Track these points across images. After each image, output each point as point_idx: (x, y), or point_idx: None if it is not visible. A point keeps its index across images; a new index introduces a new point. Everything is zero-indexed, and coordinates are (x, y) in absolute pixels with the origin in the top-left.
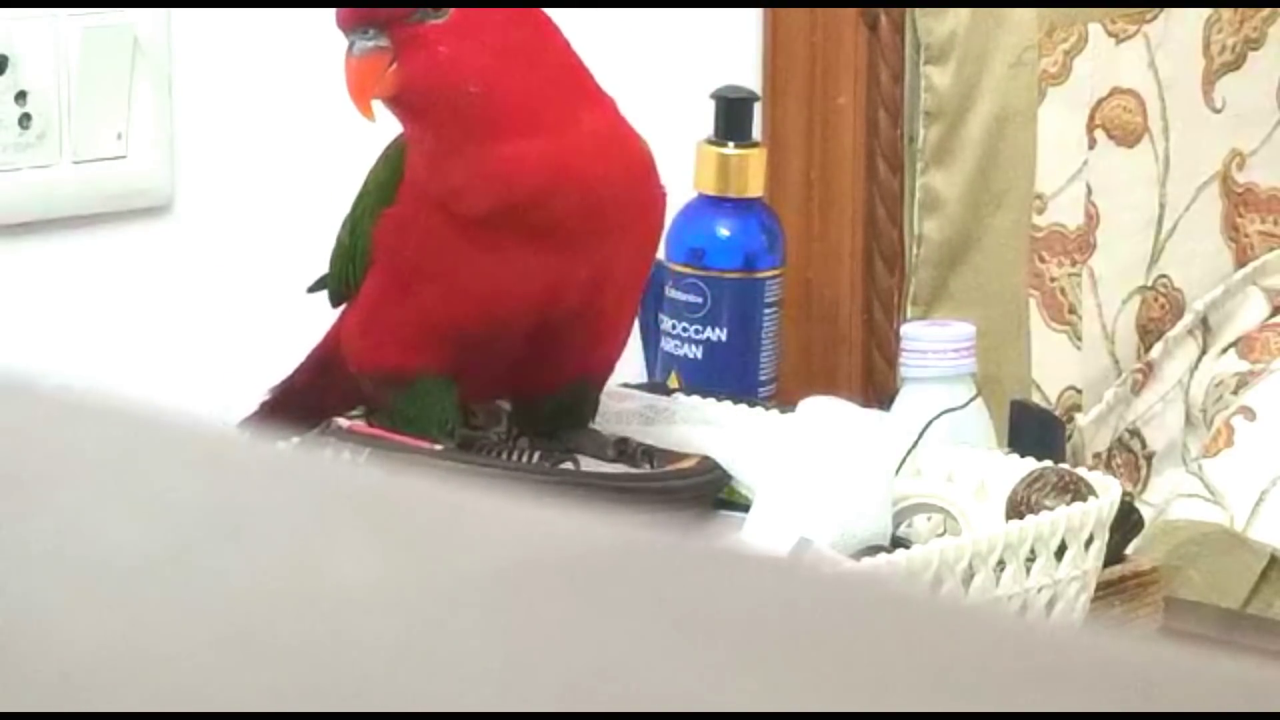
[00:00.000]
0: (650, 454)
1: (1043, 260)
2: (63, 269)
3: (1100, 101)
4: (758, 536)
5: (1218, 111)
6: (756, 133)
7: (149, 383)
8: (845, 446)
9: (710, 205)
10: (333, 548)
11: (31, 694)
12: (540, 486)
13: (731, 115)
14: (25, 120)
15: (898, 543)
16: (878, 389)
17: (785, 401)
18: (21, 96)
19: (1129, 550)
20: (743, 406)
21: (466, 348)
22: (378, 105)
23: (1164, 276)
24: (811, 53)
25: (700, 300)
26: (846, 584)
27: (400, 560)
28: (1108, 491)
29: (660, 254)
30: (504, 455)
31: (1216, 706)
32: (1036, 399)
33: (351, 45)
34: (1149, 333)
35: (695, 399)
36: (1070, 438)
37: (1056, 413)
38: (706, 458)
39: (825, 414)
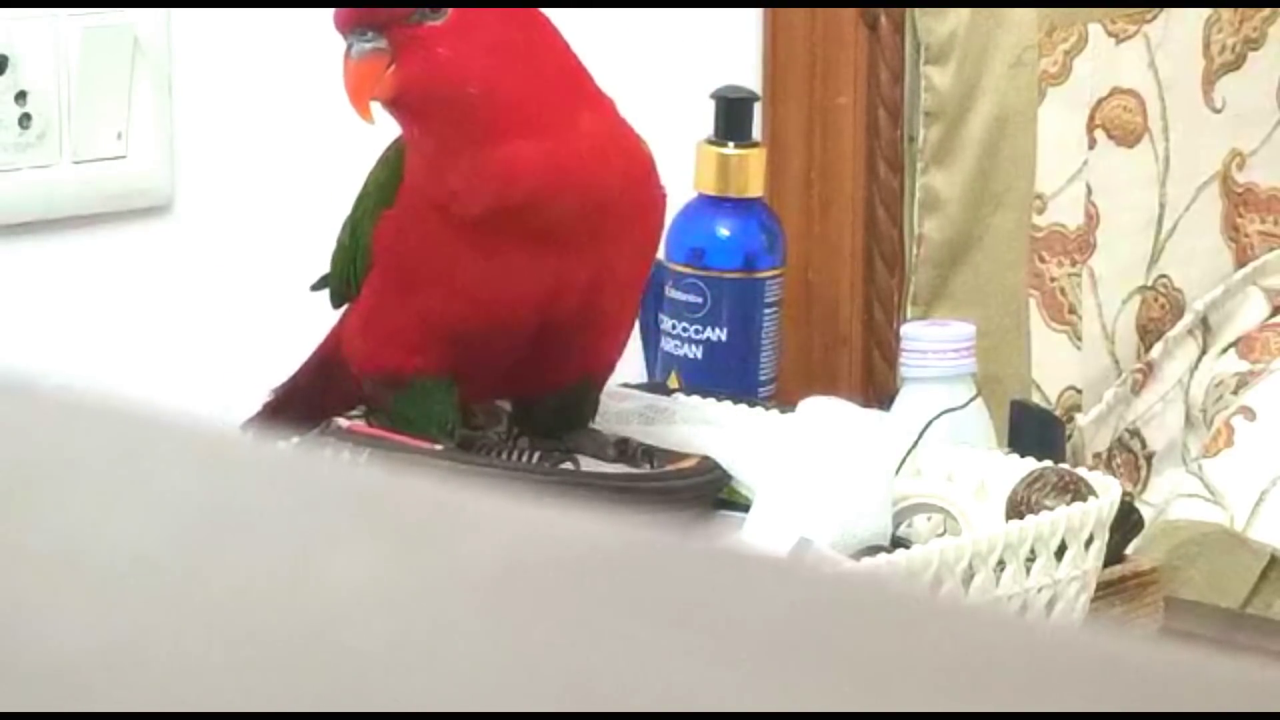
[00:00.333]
0: (650, 454)
1: (1043, 260)
2: (63, 269)
3: (1100, 101)
4: (758, 536)
5: (1218, 111)
6: (756, 133)
7: (149, 382)
8: (845, 446)
9: (710, 205)
10: (332, 548)
11: (30, 693)
12: (540, 486)
13: (731, 115)
14: (25, 120)
15: (898, 543)
16: (878, 389)
17: (785, 401)
18: (21, 96)
19: (1129, 550)
20: (743, 406)
21: (466, 349)
22: (376, 108)
23: (1164, 276)
24: (811, 53)
25: (700, 300)
26: (846, 584)
27: (400, 560)
28: (1108, 491)
29: (660, 254)
30: (504, 455)
31: (1216, 706)
32: (1036, 399)
33: (349, 47)
34: (1149, 333)
35: (695, 399)
36: (1070, 438)
37: (1056, 413)
38: (706, 458)
39: (825, 414)
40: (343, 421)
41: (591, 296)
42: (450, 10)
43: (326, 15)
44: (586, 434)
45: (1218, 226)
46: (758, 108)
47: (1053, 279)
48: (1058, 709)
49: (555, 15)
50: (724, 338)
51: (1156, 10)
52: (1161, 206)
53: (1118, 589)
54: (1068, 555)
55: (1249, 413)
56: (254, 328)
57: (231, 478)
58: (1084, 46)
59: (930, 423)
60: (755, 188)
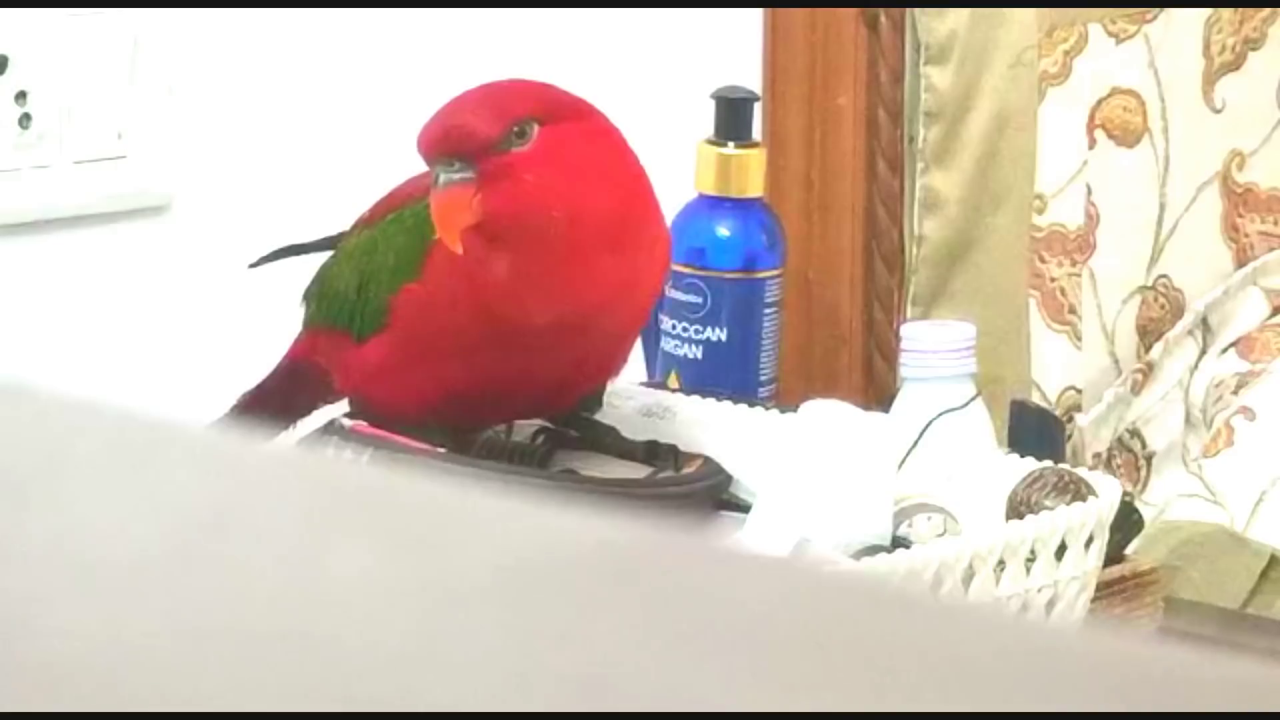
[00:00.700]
0: (675, 454)
1: (1043, 260)
2: (62, 269)
3: (1100, 101)
4: (758, 537)
5: (1218, 111)
6: (756, 133)
7: (148, 382)
8: (845, 447)
9: (710, 205)
10: (332, 547)
11: (30, 692)
12: (540, 491)
13: (731, 115)
14: (25, 120)
15: (898, 543)
16: (878, 389)
17: (785, 401)
18: (21, 96)
19: (1129, 550)
20: (743, 406)
21: (483, 407)
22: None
23: (1164, 276)
24: (811, 53)
25: (700, 300)
26: (846, 584)
27: (399, 560)
28: (1108, 491)
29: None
30: (515, 458)
31: (1216, 706)
32: (1036, 399)
33: (437, 177)
34: (1149, 333)
35: (695, 399)
36: (1070, 438)
37: (1056, 413)
38: (709, 460)
39: (826, 416)
40: (345, 421)
41: (609, 351)
42: (537, 131)
43: (326, 15)
44: (612, 435)
45: (1218, 226)
46: (758, 108)
47: (1053, 279)
48: (1058, 709)
49: (555, 15)
50: (724, 338)
51: (1156, 10)
52: (1161, 206)
53: (1118, 589)
54: (1068, 555)
55: (1249, 413)
56: (252, 327)
57: (231, 477)
58: (1084, 46)
59: (930, 423)
60: (755, 188)
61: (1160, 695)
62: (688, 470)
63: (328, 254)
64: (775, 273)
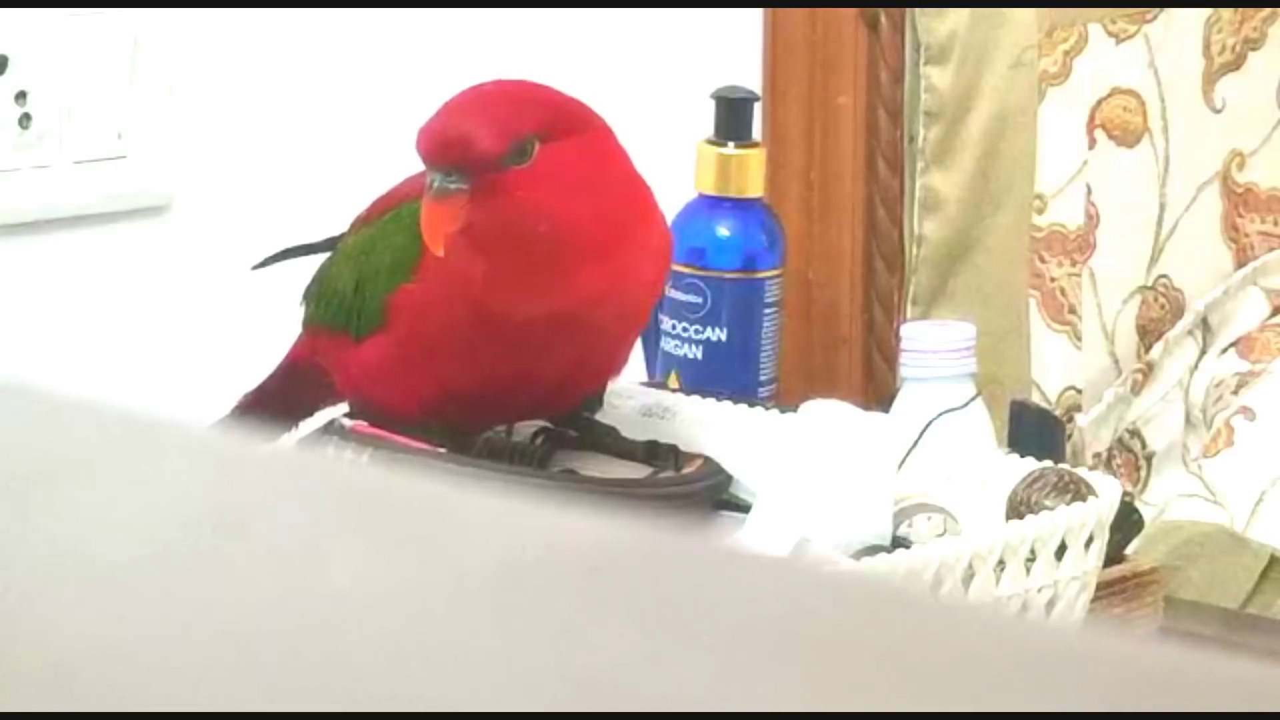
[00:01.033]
0: (676, 454)
1: (1043, 260)
2: (62, 269)
3: (1100, 101)
4: (758, 537)
5: (1218, 111)
6: (756, 133)
7: (148, 382)
8: (845, 447)
9: (710, 205)
10: (332, 547)
11: (30, 692)
12: (540, 491)
13: (731, 115)
14: (25, 120)
15: (898, 543)
16: (878, 389)
17: (785, 401)
18: (21, 96)
19: (1129, 550)
20: (743, 406)
21: (481, 407)
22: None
23: (1164, 276)
24: (811, 53)
25: (700, 300)
26: (846, 584)
27: (399, 560)
28: (1108, 491)
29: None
30: (515, 458)
31: (1216, 706)
32: (1036, 399)
33: (432, 182)
34: (1149, 333)
35: (695, 399)
36: (1070, 438)
37: (1056, 413)
38: (709, 460)
39: (826, 416)
40: (345, 421)
41: (608, 350)
42: (537, 149)
43: (326, 15)
44: (612, 435)
45: (1218, 226)
46: (758, 108)
47: (1053, 279)
48: (1058, 709)
49: (556, 15)
50: (724, 338)
51: (1156, 10)
52: (1161, 206)
53: (1118, 589)
54: (1068, 555)
55: (1249, 413)
56: (252, 327)
57: (231, 478)
58: (1084, 46)
59: (930, 423)
60: (755, 188)
61: (1160, 695)
62: (688, 470)
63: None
64: (775, 273)
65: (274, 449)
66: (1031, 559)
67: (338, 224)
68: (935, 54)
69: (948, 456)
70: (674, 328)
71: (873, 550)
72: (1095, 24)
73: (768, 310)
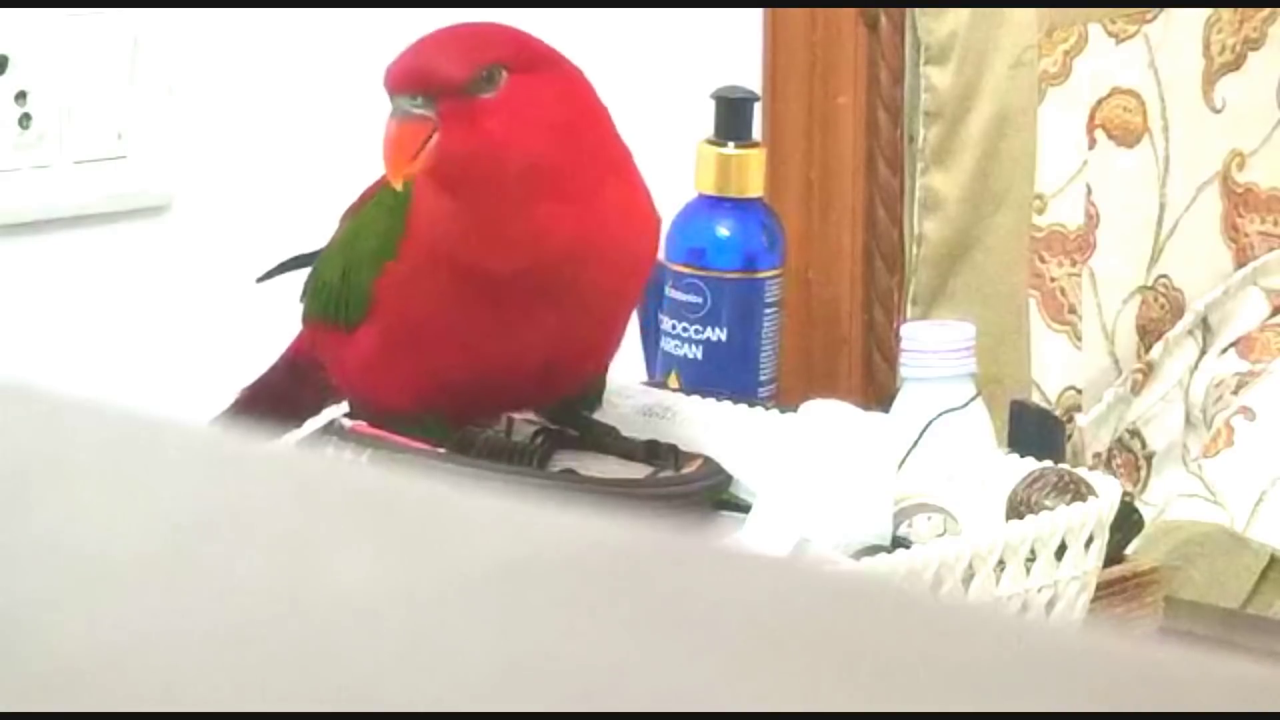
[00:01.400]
0: (675, 453)
1: (1043, 260)
2: (62, 269)
3: (1100, 101)
4: (758, 537)
5: (1218, 111)
6: (756, 133)
7: (148, 382)
8: (845, 447)
9: (710, 205)
10: (332, 547)
11: (30, 692)
12: (540, 491)
13: (731, 115)
14: (25, 120)
15: (898, 543)
16: (878, 389)
17: (785, 401)
18: (21, 96)
19: (1129, 550)
20: (743, 406)
21: (473, 393)
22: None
23: (1164, 276)
24: (811, 53)
25: (700, 300)
26: (846, 584)
27: (399, 560)
28: (1108, 491)
29: (660, 254)
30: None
31: (1216, 706)
32: (1036, 399)
33: (395, 108)
34: (1149, 333)
35: (695, 399)
36: (1070, 438)
37: (1056, 413)
38: (709, 460)
39: (826, 416)
40: (345, 421)
41: (598, 327)
42: (505, 79)
43: (326, 15)
44: (612, 435)
45: (1218, 226)
46: (758, 108)
47: (1053, 279)
48: (1058, 709)
49: (556, 15)
50: (724, 338)
51: (1156, 10)
52: (1161, 206)
53: (1118, 589)
54: (1068, 555)
55: (1249, 413)
56: (252, 327)
57: (231, 477)
58: (1084, 46)
59: (930, 423)
60: (755, 188)
61: (1160, 695)
62: (688, 470)
63: None
64: (775, 273)
65: (274, 448)
66: (1031, 559)
67: (336, 224)
68: (935, 54)
69: (948, 456)
70: (674, 328)
71: (873, 550)
72: (1095, 24)
73: (768, 310)
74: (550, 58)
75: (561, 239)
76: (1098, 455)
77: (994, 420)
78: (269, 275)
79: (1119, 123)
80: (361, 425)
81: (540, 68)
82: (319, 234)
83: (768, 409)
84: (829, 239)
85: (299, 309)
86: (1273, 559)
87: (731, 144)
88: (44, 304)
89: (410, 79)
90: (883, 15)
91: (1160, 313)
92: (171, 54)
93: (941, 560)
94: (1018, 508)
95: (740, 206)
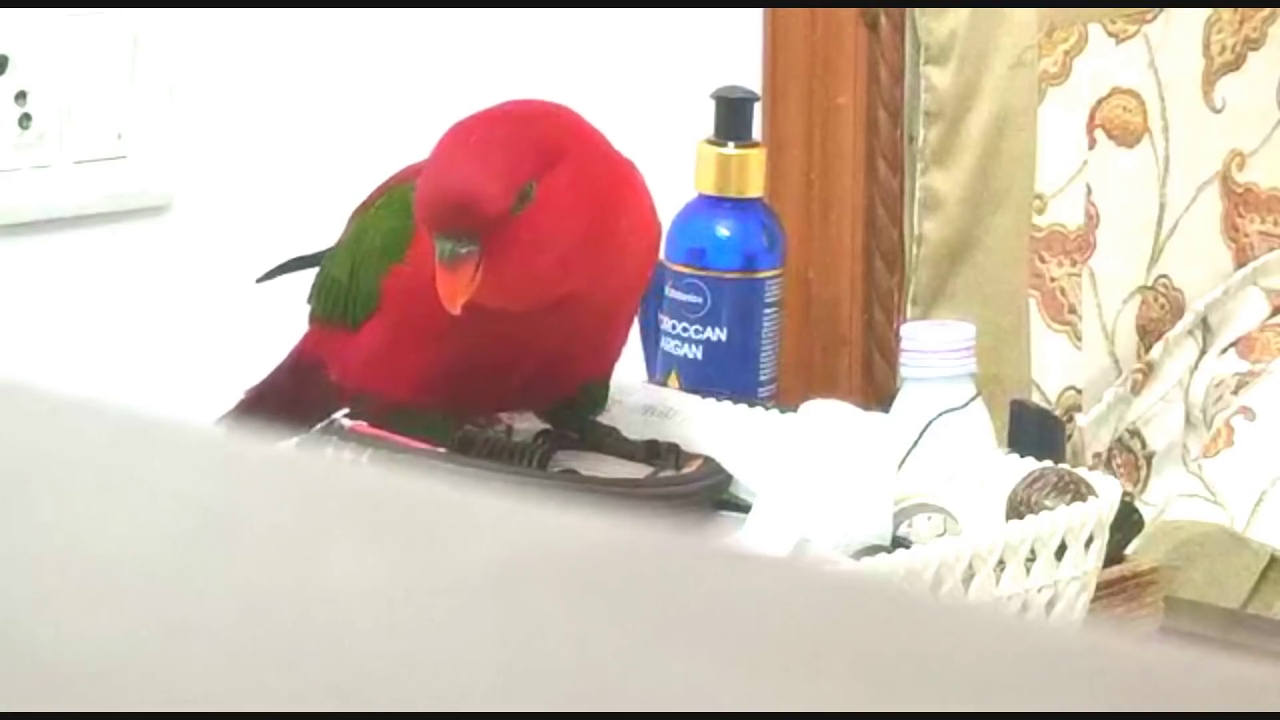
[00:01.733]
0: (675, 453)
1: (1043, 260)
2: (62, 269)
3: (1100, 101)
4: (758, 537)
5: (1218, 111)
6: (756, 133)
7: (148, 382)
8: (845, 447)
9: (710, 205)
10: (332, 547)
11: (30, 692)
12: (540, 491)
13: (731, 115)
14: (25, 120)
15: (898, 543)
16: (878, 389)
17: (785, 401)
18: (21, 96)
19: (1129, 550)
20: (743, 406)
21: (478, 387)
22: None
23: (1164, 276)
24: (811, 53)
25: (700, 300)
26: (846, 584)
27: (399, 560)
28: (1108, 491)
29: (660, 254)
30: (515, 458)
31: (1216, 706)
32: (1036, 399)
33: (443, 251)
34: (1149, 333)
35: (695, 399)
36: (1070, 438)
37: (1056, 413)
38: (709, 460)
39: (826, 416)
40: (345, 421)
41: (599, 329)
42: (536, 189)
43: (326, 15)
44: (613, 435)
45: (1218, 226)
46: (758, 108)
47: (1053, 279)
48: (1058, 709)
49: (556, 16)
50: (724, 338)
51: (1156, 10)
52: (1161, 206)
53: (1118, 589)
54: (1068, 555)
55: (1249, 413)
56: (252, 327)
57: (231, 477)
58: (1084, 46)
59: (930, 423)
60: (755, 188)
61: (1160, 695)
62: (688, 470)
63: None
64: (775, 273)
65: (274, 448)
66: (1031, 559)
67: (338, 225)
68: (935, 54)
69: (948, 456)
70: (674, 328)
71: (873, 550)
72: (1095, 24)
73: (768, 310)
74: (565, 137)
75: (579, 279)
76: (1098, 455)
77: (994, 420)
78: (269, 276)
79: (1119, 123)
80: (361, 425)
81: (562, 157)
82: (319, 234)
83: (768, 409)
84: (829, 239)
85: (301, 309)
86: (1273, 559)
87: (731, 144)
88: (44, 304)
89: (453, 219)
90: (883, 15)
91: (1160, 313)
92: (171, 54)
93: (941, 560)
94: (1018, 508)
95: (740, 206)
